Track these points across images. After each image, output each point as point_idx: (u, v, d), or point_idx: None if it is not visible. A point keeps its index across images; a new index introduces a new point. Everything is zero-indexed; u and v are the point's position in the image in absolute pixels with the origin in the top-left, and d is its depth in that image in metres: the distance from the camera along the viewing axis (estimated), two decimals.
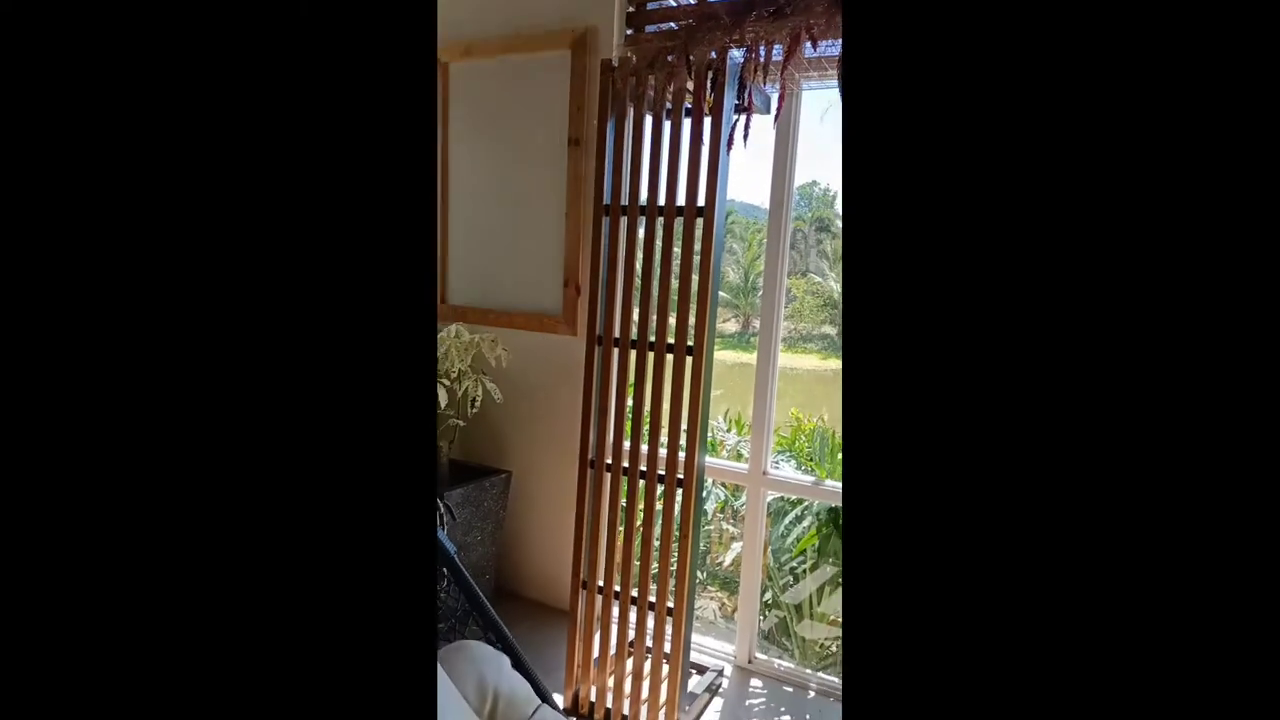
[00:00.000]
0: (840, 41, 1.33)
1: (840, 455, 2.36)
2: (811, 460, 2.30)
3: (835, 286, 9.78)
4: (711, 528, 2.59)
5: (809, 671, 1.91)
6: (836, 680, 1.85)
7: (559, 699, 1.69)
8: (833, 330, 9.83)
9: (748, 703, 1.76)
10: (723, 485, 2.45)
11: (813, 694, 1.80)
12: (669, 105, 1.50)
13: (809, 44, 1.29)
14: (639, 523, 1.59)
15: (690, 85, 1.44)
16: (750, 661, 1.89)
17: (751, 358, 1.82)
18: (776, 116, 1.54)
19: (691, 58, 1.40)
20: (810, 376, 9.52)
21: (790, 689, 1.81)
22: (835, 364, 9.65)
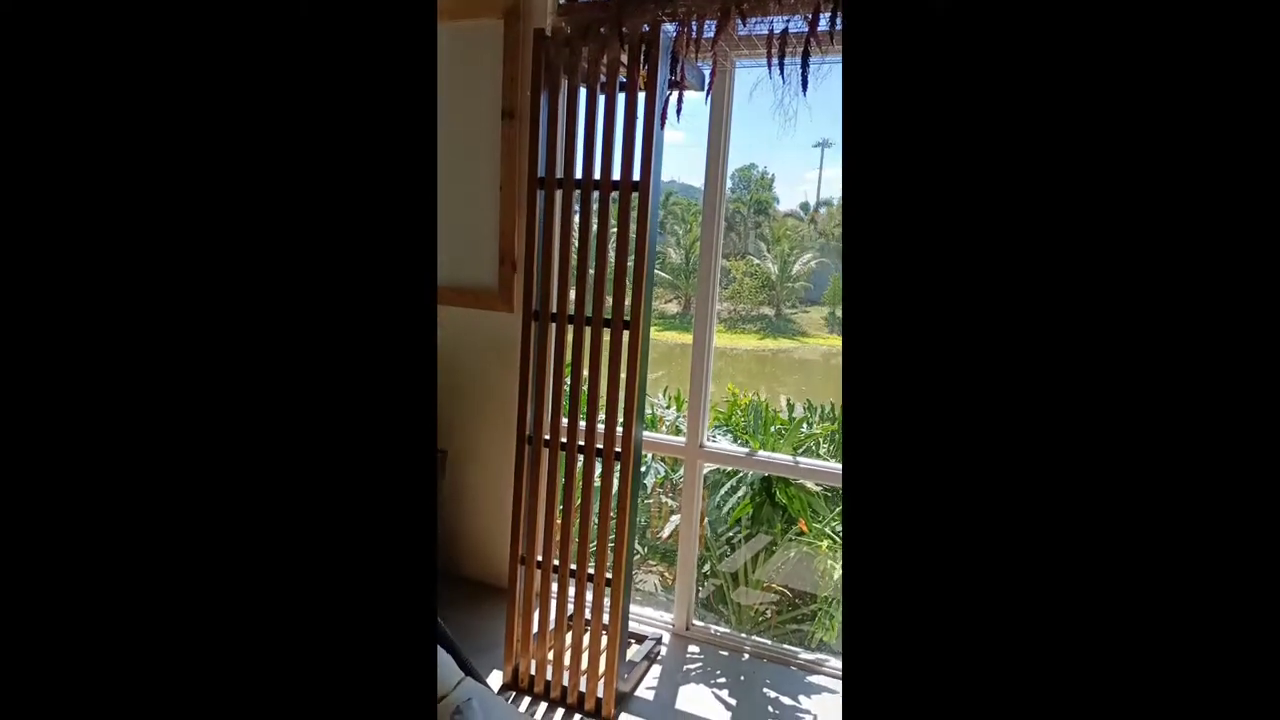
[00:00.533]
0: (770, 20, 1.36)
1: (773, 428, 2.44)
2: (746, 433, 2.37)
3: (773, 268, 9.99)
4: (651, 501, 2.64)
5: (743, 635, 1.99)
6: (769, 642, 1.94)
7: (498, 674, 1.70)
8: (770, 311, 10.07)
9: (685, 668, 1.81)
10: (662, 460, 2.49)
11: (747, 656, 1.87)
12: (604, 78, 1.49)
13: (739, 20, 1.31)
14: (578, 497, 1.61)
15: (624, 57, 1.43)
16: (688, 629, 1.95)
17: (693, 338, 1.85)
18: (708, 91, 1.55)
19: (625, 29, 1.39)
20: (749, 356, 9.73)
21: (726, 653, 1.88)
22: (773, 344, 9.90)
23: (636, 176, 1.48)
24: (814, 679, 1.78)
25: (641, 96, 1.45)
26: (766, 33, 1.33)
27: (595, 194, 1.54)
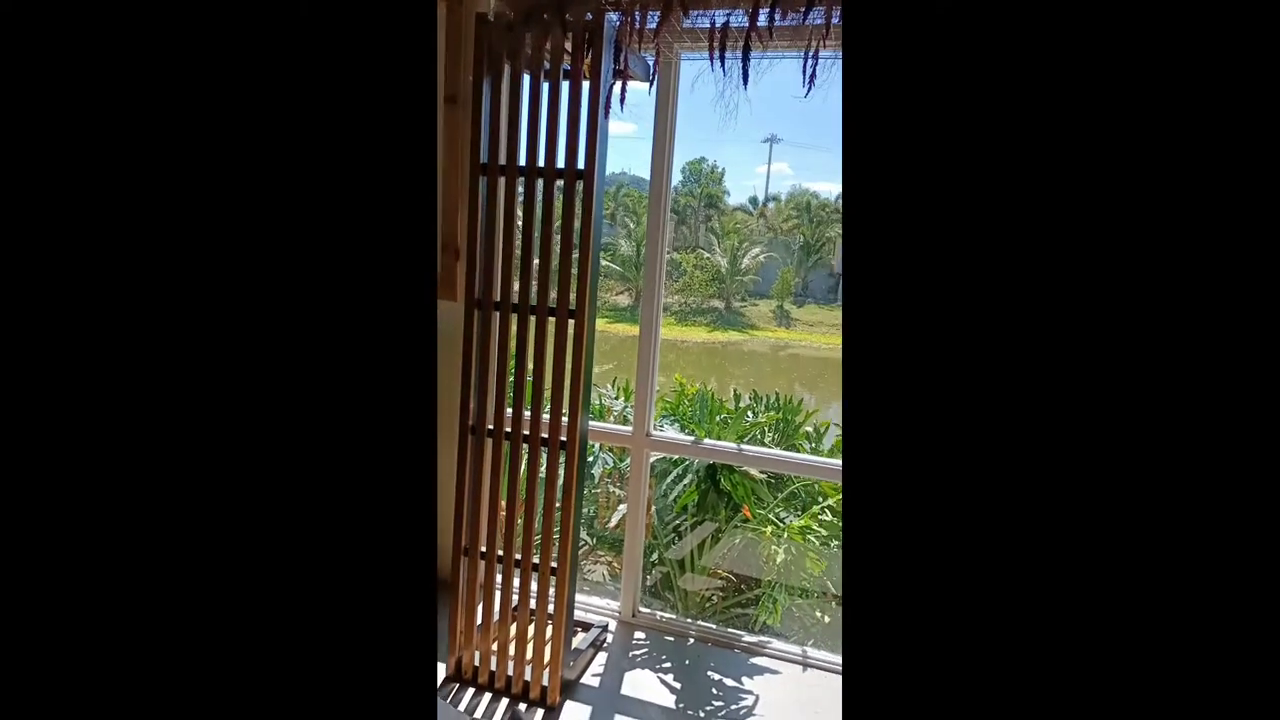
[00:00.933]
0: (712, 13, 1.37)
1: (718, 417, 2.48)
2: (693, 422, 2.41)
3: (723, 262, 10.13)
4: (599, 491, 2.65)
5: (689, 620, 2.03)
6: (714, 626, 1.98)
7: (440, 667, 1.68)
8: (720, 304, 10.21)
9: (631, 654, 1.84)
10: (610, 451, 2.50)
11: (692, 641, 1.91)
12: (547, 65, 1.47)
13: (682, 12, 1.32)
14: (523, 489, 1.60)
15: (567, 45, 1.42)
16: (634, 615, 1.97)
17: None
18: (652, 82, 1.56)
19: (568, 16, 1.38)
20: (700, 349, 9.86)
21: (671, 638, 1.91)
22: (722, 336, 10.06)
23: (581, 165, 1.47)
24: (757, 661, 1.83)
25: (586, 85, 1.44)
26: (708, 26, 1.34)
27: (540, 182, 1.53)
